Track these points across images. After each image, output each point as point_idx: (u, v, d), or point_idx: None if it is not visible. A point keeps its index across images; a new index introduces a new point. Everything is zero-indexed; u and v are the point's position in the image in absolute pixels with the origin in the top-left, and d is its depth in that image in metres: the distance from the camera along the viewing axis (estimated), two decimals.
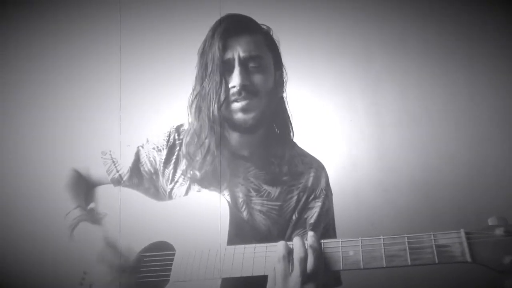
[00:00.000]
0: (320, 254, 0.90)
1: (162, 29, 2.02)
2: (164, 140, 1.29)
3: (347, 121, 2.07)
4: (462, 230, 0.81)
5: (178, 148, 1.28)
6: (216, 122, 1.14)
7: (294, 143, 1.30)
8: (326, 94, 2.09)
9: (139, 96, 1.96)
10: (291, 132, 1.29)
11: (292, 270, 0.89)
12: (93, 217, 1.23)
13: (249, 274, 0.94)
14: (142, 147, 1.31)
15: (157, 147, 1.28)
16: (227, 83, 1.14)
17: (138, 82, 1.97)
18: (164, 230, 1.13)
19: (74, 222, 1.16)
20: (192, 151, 1.21)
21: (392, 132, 2.03)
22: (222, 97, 1.14)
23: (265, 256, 0.94)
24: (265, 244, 0.96)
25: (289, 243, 0.93)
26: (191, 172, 1.21)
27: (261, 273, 0.93)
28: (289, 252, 0.91)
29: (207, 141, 1.17)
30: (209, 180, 1.19)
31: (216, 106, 1.13)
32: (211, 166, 1.17)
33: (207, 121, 1.16)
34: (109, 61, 1.96)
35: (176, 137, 1.29)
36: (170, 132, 1.30)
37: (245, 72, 1.14)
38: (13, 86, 1.90)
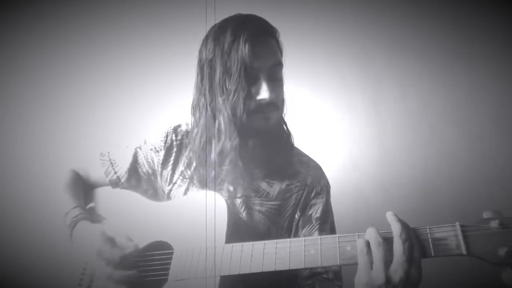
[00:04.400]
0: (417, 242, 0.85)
1: (162, 30, 2.02)
2: (161, 141, 1.28)
3: (347, 121, 2.07)
4: (457, 223, 0.82)
5: (175, 149, 1.27)
6: (243, 130, 1.12)
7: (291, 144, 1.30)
8: (326, 94, 2.09)
9: (138, 97, 1.96)
10: (291, 136, 1.28)
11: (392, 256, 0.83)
12: (93, 216, 1.23)
13: (247, 272, 0.94)
14: (140, 148, 1.30)
15: (155, 148, 1.28)
16: (250, 92, 1.11)
17: (137, 83, 1.97)
18: (162, 230, 1.13)
19: (74, 221, 1.16)
20: (219, 160, 1.17)
21: (392, 132, 2.03)
22: (251, 106, 1.11)
23: (263, 254, 0.94)
24: (262, 242, 0.96)
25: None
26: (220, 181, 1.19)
27: (259, 270, 0.93)
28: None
29: (233, 153, 1.13)
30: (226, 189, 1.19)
31: (244, 115, 1.10)
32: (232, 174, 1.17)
33: (234, 130, 1.12)
34: (108, 62, 1.97)
35: (174, 138, 1.28)
36: (167, 133, 1.29)
37: (273, 84, 1.12)
38: (13, 86, 1.91)
